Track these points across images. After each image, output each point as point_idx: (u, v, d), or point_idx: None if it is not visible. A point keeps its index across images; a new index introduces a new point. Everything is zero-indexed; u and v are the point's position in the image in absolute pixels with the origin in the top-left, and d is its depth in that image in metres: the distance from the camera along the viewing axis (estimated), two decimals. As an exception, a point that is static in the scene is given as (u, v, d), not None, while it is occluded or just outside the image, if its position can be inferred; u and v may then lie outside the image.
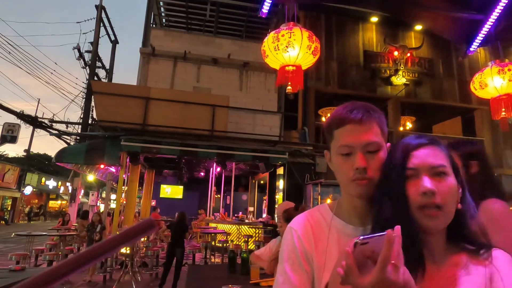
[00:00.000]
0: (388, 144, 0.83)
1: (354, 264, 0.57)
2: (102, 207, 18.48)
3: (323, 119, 11.15)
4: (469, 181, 1.53)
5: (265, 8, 8.14)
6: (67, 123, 11.32)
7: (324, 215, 0.87)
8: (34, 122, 8.85)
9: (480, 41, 10.11)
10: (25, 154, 26.03)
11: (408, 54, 10.49)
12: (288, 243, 0.85)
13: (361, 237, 0.57)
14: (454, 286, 0.69)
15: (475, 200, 1.40)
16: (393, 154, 0.78)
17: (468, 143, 1.64)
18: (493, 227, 1.21)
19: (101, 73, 14.33)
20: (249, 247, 5.16)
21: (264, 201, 12.05)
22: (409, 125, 12.23)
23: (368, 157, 0.78)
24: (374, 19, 10.87)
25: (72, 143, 10.97)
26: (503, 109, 5.95)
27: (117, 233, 0.39)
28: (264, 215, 10.78)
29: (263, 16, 8.52)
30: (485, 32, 9.68)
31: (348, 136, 0.79)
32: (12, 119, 9.24)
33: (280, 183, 9.69)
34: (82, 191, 16.02)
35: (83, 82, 14.70)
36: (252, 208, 13.07)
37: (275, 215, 8.35)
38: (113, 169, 10.22)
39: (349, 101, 0.86)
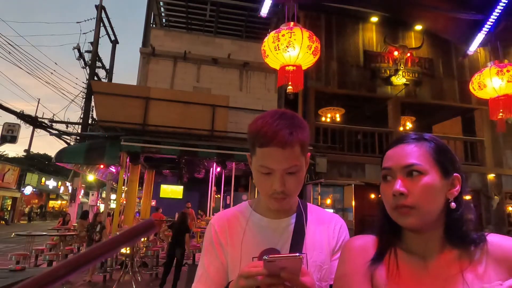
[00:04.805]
0: (309, 154, 0.88)
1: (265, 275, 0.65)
2: (102, 207, 18.46)
3: (323, 119, 11.16)
4: None
5: (265, 8, 8.13)
6: (67, 123, 11.33)
7: (243, 211, 0.95)
8: (34, 122, 8.86)
9: (480, 41, 10.10)
10: (25, 154, 26.01)
11: (408, 54, 10.48)
12: (206, 237, 0.93)
13: (269, 256, 0.64)
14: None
15: None
16: None
17: None
18: None
19: (101, 73, 14.35)
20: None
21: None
22: (409, 125, 12.22)
23: (287, 177, 0.82)
24: (374, 19, 10.86)
25: (72, 143, 10.97)
26: (501, 110, 5.95)
27: (117, 233, 0.39)
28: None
29: (263, 16, 8.51)
30: (485, 32, 9.67)
31: (269, 159, 0.81)
32: (12, 119, 9.25)
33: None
34: (82, 191, 16.01)
35: (83, 82, 14.69)
36: (252, 208, 13.04)
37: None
38: (113, 169, 10.21)
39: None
